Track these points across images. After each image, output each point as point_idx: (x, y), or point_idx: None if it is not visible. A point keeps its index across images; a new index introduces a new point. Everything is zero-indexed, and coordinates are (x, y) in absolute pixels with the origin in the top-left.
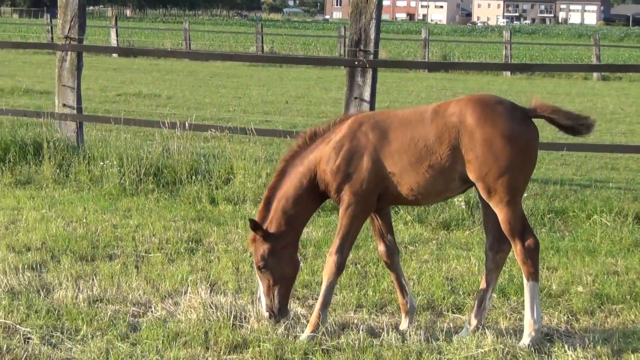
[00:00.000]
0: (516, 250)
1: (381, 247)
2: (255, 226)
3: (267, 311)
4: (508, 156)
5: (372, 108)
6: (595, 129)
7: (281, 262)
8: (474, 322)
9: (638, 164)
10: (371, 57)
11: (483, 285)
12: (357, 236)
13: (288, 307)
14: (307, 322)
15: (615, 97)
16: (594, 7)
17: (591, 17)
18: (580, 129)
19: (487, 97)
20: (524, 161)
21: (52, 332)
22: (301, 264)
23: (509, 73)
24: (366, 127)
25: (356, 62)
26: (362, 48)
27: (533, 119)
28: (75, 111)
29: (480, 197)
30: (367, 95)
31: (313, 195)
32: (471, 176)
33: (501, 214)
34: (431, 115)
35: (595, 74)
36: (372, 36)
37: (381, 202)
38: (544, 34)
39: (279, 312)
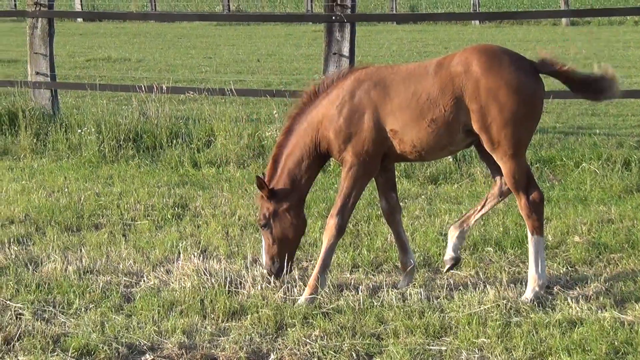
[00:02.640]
0: (520, 204)
1: (383, 204)
2: (261, 184)
3: (266, 269)
4: (513, 107)
5: (351, 63)
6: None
7: (283, 222)
8: (455, 234)
9: (618, 109)
10: (348, 11)
11: (477, 206)
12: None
13: (289, 267)
14: (304, 284)
15: (586, 41)
16: None
17: None
18: (592, 90)
19: (494, 47)
20: (529, 113)
21: (44, 306)
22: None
23: (477, 22)
24: (368, 84)
25: (334, 17)
26: (339, 2)
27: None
28: (48, 79)
29: (483, 151)
30: (346, 50)
31: (318, 154)
32: (475, 127)
33: (505, 167)
34: (435, 68)
35: (564, 19)
36: None
37: (385, 161)
38: None
39: (278, 271)
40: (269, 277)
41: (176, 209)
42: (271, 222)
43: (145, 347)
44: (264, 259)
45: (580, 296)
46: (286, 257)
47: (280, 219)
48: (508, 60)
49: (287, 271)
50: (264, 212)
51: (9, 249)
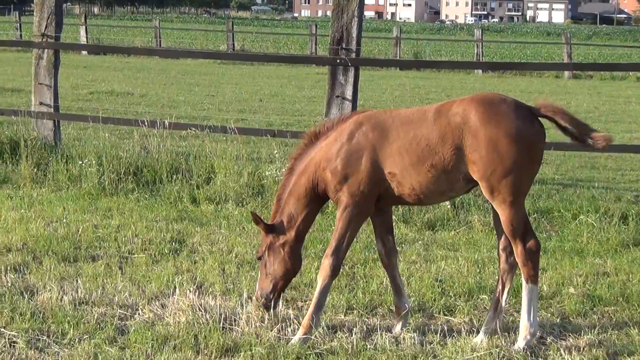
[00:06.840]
0: (517, 252)
1: (380, 247)
2: (256, 220)
3: (256, 299)
4: (513, 156)
5: (354, 107)
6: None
7: (277, 257)
8: (490, 326)
9: (617, 163)
10: (353, 55)
11: (498, 288)
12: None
13: (278, 301)
14: (299, 324)
15: (588, 95)
16: (562, 6)
17: (559, 16)
18: (585, 139)
19: (491, 95)
20: (529, 161)
21: (38, 335)
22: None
23: (480, 71)
24: (367, 127)
25: (338, 61)
26: (344, 46)
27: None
28: (52, 109)
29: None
30: (349, 94)
31: (316, 194)
32: (475, 176)
33: (504, 214)
34: (434, 115)
35: (566, 73)
36: (354, 34)
37: (382, 203)
38: (512, 32)
39: (266, 303)
40: (258, 307)
41: (173, 244)
42: (265, 255)
43: None
44: (257, 289)
45: (573, 347)
46: (275, 292)
47: (275, 253)
48: (506, 108)
49: (273, 306)
50: (263, 245)
51: (5, 276)
